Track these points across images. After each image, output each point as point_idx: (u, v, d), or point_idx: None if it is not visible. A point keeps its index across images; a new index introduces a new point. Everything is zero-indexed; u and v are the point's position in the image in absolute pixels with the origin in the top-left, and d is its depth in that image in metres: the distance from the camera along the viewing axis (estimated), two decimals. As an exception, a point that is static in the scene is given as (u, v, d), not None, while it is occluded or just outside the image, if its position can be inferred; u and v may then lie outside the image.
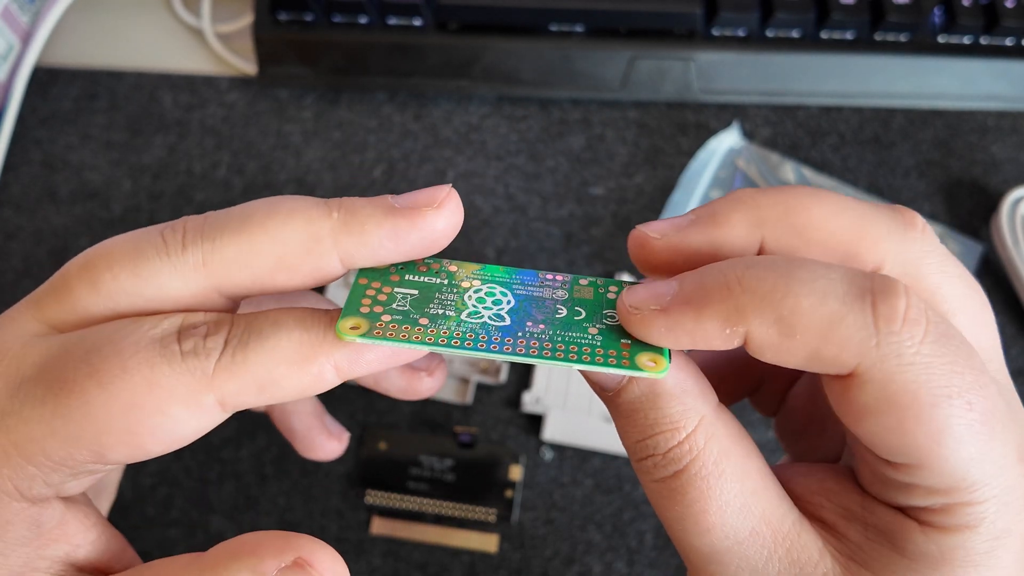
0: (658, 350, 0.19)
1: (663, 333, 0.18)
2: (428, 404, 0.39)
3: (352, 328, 0.18)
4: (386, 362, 0.19)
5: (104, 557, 0.20)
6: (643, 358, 0.19)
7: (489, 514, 0.37)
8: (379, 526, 0.37)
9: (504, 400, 0.39)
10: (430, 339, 0.18)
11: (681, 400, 0.18)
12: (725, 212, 0.19)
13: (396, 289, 0.19)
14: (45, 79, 0.46)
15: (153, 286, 0.19)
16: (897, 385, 0.16)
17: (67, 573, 0.19)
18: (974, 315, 0.19)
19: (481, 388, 0.39)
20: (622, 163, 0.44)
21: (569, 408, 0.38)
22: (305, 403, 0.27)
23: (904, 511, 0.18)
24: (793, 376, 0.25)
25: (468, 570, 0.37)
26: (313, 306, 0.25)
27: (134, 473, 0.39)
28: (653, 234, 0.19)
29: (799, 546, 0.18)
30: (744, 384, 0.26)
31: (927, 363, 0.16)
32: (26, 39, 0.45)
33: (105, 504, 0.25)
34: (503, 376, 0.39)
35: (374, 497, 0.37)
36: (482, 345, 0.19)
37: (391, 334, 0.18)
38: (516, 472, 0.38)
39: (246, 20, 0.46)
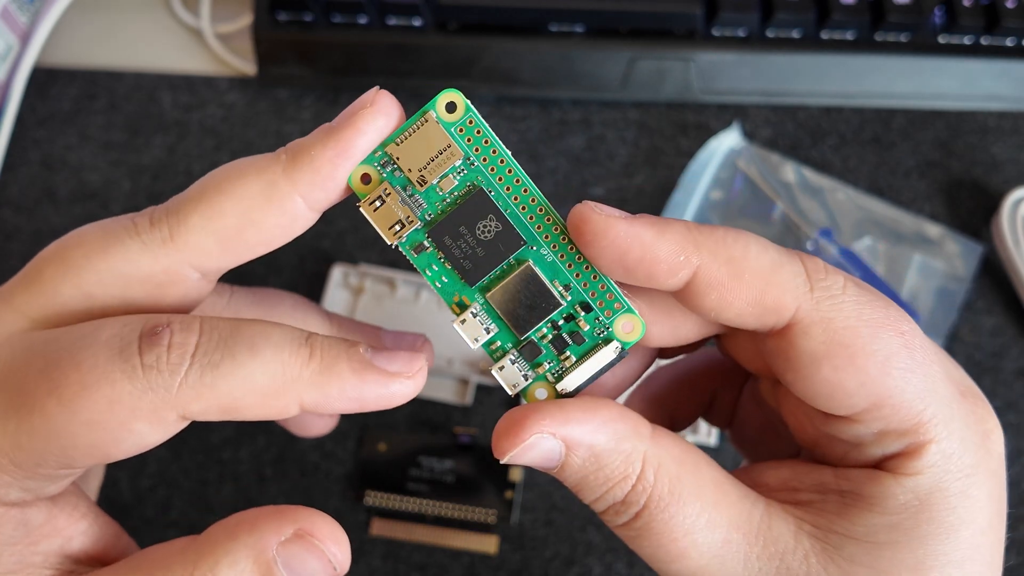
0: (629, 311, 0.20)
1: (619, 237, 0.18)
2: (428, 405, 0.39)
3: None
4: (352, 404, 0.19)
5: (99, 545, 0.20)
6: (618, 325, 0.20)
7: (489, 515, 0.37)
8: (379, 527, 0.37)
9: (504, 401, 0.39)
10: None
11: (619, 451, 0.19)
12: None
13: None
14: (44, 79, 0.46)
15: (123, 263, 0.18)
16: (837, 323, 0.18)
17: (63, 565, 0.19)
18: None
19: (481, 389, 0.39)
20: (622, 163, 0.44)
21: (569, 409, 0.38)
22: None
23: (877, 466, 0.19)
24: (741, 385, 0.26)
25: (468, 571, 0.37)
26: (301, 321, 0.24)
27: (133, 475, 0.38)
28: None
29: (773, 537, 0.19)
30: (698, 401, 0.26)
31: (855, 301, 0.18)
32: (25, 39, 0.45)
33: (94, 484, 0.25)
34: (503, 377, 0.39)
35: (374, 498, 0.37)
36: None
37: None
38: (516, 473, 0.38)
39: (245, 20, 0.46)
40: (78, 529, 0.19)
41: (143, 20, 0.47)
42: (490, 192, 0.20)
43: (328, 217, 0.43)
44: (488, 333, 0.20)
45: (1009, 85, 0.44)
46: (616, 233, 0.18)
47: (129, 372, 0.17)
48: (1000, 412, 0.39)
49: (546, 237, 0.20)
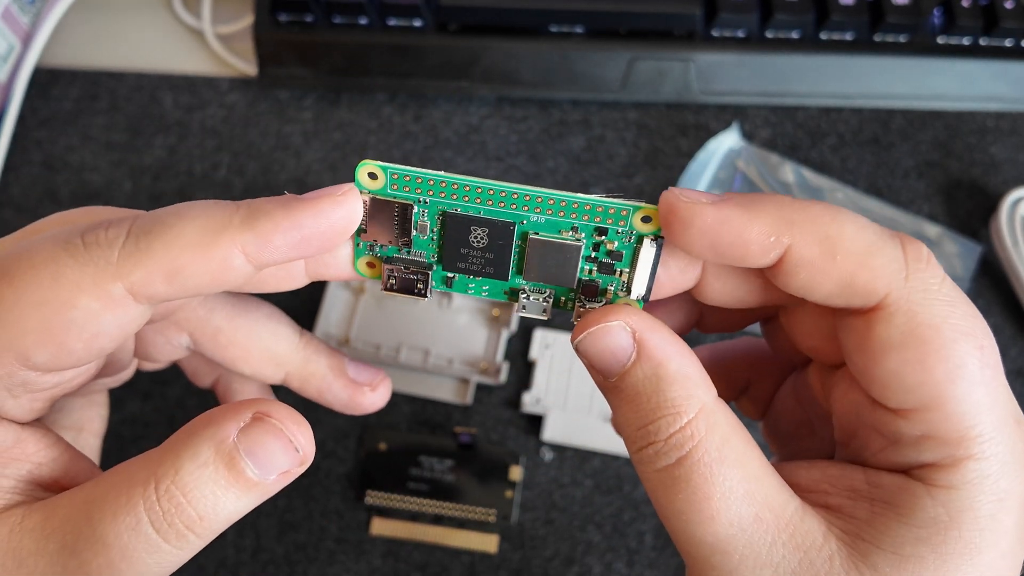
0: (635, 208, 0.20)
1: (710, 225, 0.18)
2: (428, 404, 0.39)
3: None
4: (297, 248, 0.19)
5: (70, 475, 0.20)
6: (638, 225, 0.20)
7: (489, 514, 0.37)
8: (379, 526, 0.37)
9: (504, 400, 0.39)
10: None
11: (683, 385, 0.19)
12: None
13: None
14: (46, 80, 0.46)
15: (71, 291, 0.18)
16: (922, 318, 0.18)
17: (33, 492, 0.19)
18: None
19: (481, 388, 0.40)
20: (622, 164, 0.44)
21: (569, 408, 0.38)
22: (317, 363, 0.26)
23: (911, 475, 0.19)
24: (780, 378, 0.25)
25: (468, 570, 0.37)
26: (273, 329, 0.25)
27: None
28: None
29: (803, 531, 0.18)
30: (732, 387, 0.26)
31: (949, 300, 0.18)
32: (27, 40, 0.45)
33: (91, 443, 0.26)
34: (503, 376, 0.39)
35: (374, 498, 0.37)
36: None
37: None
38: (516, 472, 0.38)
39: (246, 21, 0.46)
40: (48, 456, 0.20)
41: (144, 21, 0.48)
42: (455, 209, 0.21)
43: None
44: (549, 301, 0.22)
45: (1007, 86, 0.44)
46: (704, 220, 0.18)
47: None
48: (998, 412, 0.40)
49: (524, 208, 0.21)
